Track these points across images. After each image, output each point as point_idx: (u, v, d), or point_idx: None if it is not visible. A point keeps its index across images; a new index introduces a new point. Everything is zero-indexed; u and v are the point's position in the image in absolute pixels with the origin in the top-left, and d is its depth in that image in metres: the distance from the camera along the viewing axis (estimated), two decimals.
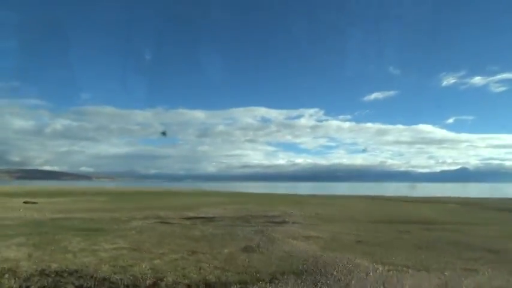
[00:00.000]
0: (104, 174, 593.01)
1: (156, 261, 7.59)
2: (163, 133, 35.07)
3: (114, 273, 6.60)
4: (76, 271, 6.64)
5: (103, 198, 33.43)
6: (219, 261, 7.77)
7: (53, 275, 6.42)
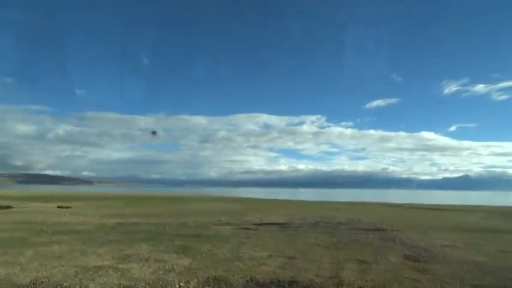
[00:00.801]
0: (105, 179, 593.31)
1: (352, 272, 6.88)
2: (154, 132, 35.68)
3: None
4: (295, 282, 6.07)
5: (120, 203, 33.74)
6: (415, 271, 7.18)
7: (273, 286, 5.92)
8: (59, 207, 24.86)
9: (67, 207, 24.51)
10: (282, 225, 15.82)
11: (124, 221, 15.99)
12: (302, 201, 46.33)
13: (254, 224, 15.87)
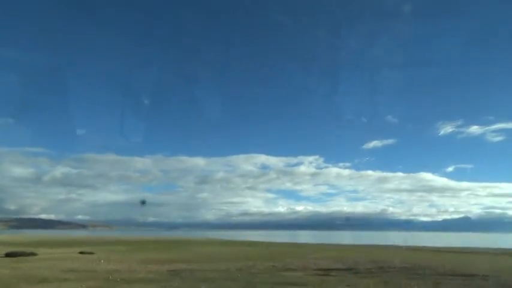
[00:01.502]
0: (100, 223, 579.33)
1: None
2: (143, 202, 34.98)
3: None
4: None
5: (133, 247, 34.19)
6: None
7: None
8: (81, 252, 25.68)
9: (90, 253, 25.27)
10: (350, 270, 15.07)
11: (174, 268, 15.67)
12: (322, 244, 45.48)
13: (322, 270, 14.91)
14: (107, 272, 14.39)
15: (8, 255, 22.38)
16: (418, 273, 14.25)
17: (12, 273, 13.89)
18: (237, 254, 26.36)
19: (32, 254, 23.82)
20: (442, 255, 27.65)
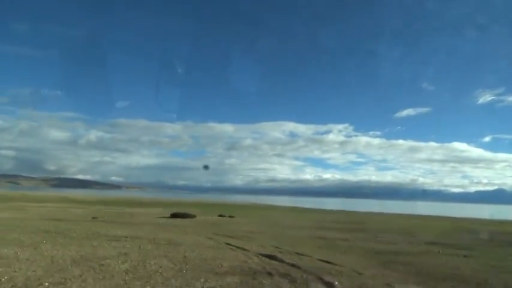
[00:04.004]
0: (133, 184, 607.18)
1: None
2: (206, 167, 35.86)
3: None
4: None
5: (230, 211, 33.58)
6: None
7: None
8: (220, 215, 24.89)
9: (231, 217, 24.35)
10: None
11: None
12: (400, 215, 43.66)
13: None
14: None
15: (173, 215, 22.01)
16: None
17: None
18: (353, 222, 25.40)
19: (189, 215, 22.52)
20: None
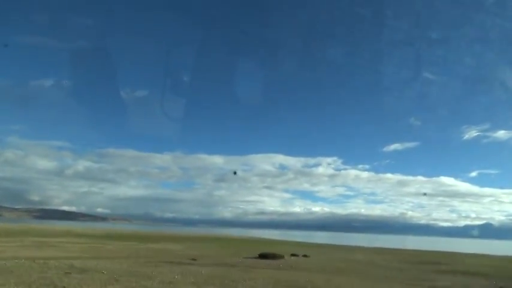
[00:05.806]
0: (120, 216, 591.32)
1: None
2: (235, 173, 39.08)
3: None
4: None
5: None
6: None
7: None
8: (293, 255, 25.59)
9: (304, 256, 25.18)
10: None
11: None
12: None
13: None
14: None
15: (262, 256, 21.42)
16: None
17: None
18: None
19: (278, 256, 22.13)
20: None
